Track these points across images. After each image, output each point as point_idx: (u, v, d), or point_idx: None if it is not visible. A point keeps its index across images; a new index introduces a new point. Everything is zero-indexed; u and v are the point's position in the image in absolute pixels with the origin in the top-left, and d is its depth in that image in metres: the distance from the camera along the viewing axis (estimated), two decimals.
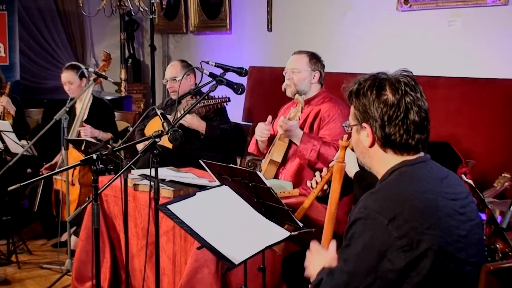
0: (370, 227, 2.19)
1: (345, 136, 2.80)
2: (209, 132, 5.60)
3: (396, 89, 2.30)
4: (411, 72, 2.39)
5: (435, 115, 5.36)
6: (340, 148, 2.82)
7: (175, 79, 5.76)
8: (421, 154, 2.38)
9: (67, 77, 6.22)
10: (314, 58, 4.85)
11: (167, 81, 5.87)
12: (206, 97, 5.20)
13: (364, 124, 2.37)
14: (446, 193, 2.28)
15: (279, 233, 3.29)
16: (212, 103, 5.28)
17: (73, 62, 6.58)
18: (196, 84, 5.86)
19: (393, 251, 2.15)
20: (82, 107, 6.17)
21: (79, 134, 6.06)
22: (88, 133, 6.07)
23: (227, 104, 5.38)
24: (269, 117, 4.94)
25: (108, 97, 7.94)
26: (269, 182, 3.68)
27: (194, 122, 5.55)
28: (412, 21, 6.06)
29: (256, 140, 5.00)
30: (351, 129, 2.49)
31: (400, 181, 2.30)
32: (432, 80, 5.53)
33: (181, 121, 5.35)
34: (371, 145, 2.38)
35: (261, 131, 4.86)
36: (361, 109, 2.37)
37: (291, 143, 4.68)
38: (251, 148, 5.10)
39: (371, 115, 2.33)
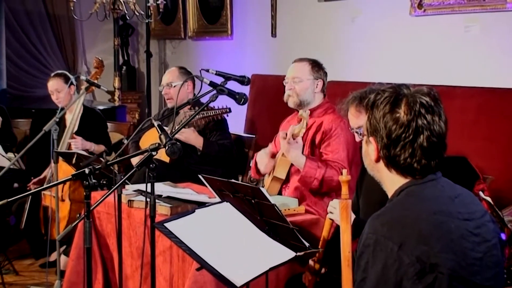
0: (380, 255, 2.20)
1: (345, 171, 2.81)
2: (206, 148, 5.61)
3: (411, 109, 2.29)
4: (435, 91, 2.38)
5: (450, 128, 5.36)
6: (342, 183, 2.83)
7: (171, 85, 5.78)
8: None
9: (54, 85, 6.25)
10: (317, 66, 4.86)
11: (163, 87, 5.89)
12: (205, 108, 5.22)
13: (371, 138, 2.39)
14: (458, 213, 2.28)
15: (283, 253, 3.31)
16: (211, 114, 5.30)
17: (60, 71, 6.60)
18: (194, 94, 5.88)
19: (409, 280, 2.16)
20: (73, 118, 6.19)
21: (69, 147, 6.08)
22: (79, 145, 6.08)
23: (227, 115, 5.39)
24: (270, 146, 4.99)
25: (101, 107, 7.97)
26: (273, 199, 3.70)
27: (191, 137, 5.56)
28: (426, 26, 6.07)
29: (256, 164, 5.01)
30: (362, 138, 2.51)
31: (408, 202, 2.31)
32: (448, 90, 5.54)
33: (177, 136, 5.36)
34: (377, 161, 2.40)
35: (265, 165, 4.89)
36: (372, 121, 2.37)
37: None
38: (253, 173, 5.11)
39: (379, 130, 2.34)
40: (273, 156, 4.89)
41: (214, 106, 5.31)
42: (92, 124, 6.38)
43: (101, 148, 6.17)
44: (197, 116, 5.28)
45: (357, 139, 3.80)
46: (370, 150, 2.42)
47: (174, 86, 5.74)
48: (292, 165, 4.69)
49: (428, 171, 2.35)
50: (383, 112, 2.34)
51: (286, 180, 4.77)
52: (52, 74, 6.42)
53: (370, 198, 3.67)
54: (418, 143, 2.30)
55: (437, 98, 2.36)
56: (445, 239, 2.20)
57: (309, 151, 4.69)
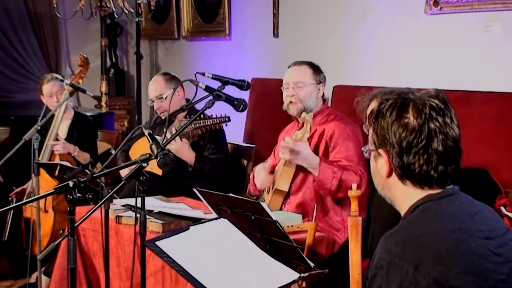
0: (394, 277, 2.19)
1: (354, 185, 2.80)
2: (198, 164, 5.60)
3: (420, 112, 2.31)
4: (443, 94, 2.39)
5: (469, 136, 5.35)
6: (351, 199, 2.82)
7: (162, 97, 5.76)
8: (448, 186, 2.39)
9: (55, 88, 6.25)
10: (317, 69, 4.87)
11: (153, 101, 5.87)
12: (201, 116, 5.21)
13: (380, 150, 2.39)
14: (479, 231, 2.28)
15: (286, 274, 3.31)
16: (208, 123, 5.28)
17: (53, 74, 6.62)
18: (188, 99, 5.86)
19: None
20: (55, 123, 6.20)
21: (52, 152, 6.10)
22: (60, 148, 6.10)
23: (226, 125, 5.38)
24: (269, 160, 4.98)
25: (86, 114, 7.96)
26: (275, 215, 3.70)
27: (182, 150, 5.52)
28: (443, 26, 6.08)
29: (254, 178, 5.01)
30: (370, 155, 2.49)
31: (424, 219, 2.30)
32: (466, 95, 5.55)
33: (169, 147, 5.35)
34: (389, 175, 2.39)
35: (262, 181, 4.87)
36: (379, 132, 2.38)
37: (297, 170, 4.66)
38: (252, 188, 5.10)
39: (388, 140, 2.34)
40: (272, 171, 4.88)
41: (211, 115, 5.30)
42: (82, 132, 6.41)
43: (85, 155, 6.18)
44: (192, 126, 5.27)
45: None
46: (380, 165, 2.41)
47: (166, 98, 5.73)
48: (295, 176, 4.67)
49: (446, 179, 2.35)
50: (391, 120, 2.34)
51: (287, 195, 4.74)
52: (49, 76, 6.44)
53: (379, 217, 3.65)
54: (433, 148, 2.31)
55: (446, 100, 2.37)
56: (464, 259, 2.20)
57: None
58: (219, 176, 5.73)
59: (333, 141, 4.65)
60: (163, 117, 5.84)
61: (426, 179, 2.34)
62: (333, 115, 4.80)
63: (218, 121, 5.29)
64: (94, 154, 6.28)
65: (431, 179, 2.34)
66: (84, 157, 6.17)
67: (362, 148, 2.57)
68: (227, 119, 5.30)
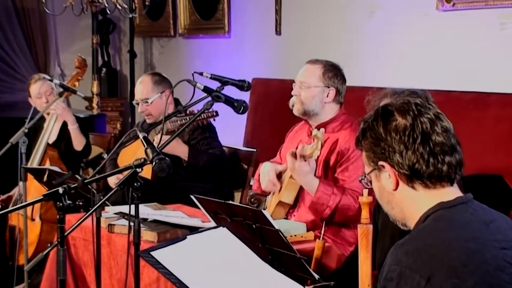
0: None
1: (365, 191, 2.79)
2: (192, 158, 5.54)
3: (406, 111, 2.38)
4: (423, 91, 2.43)
5: (484, 141, 5.36)
6: (362, 205, 2.82)
7: (147, 101, 5.72)
8: (459, 193, 2.39)
9: (43, 87, 6.26)
10: (331, 71, 4.76)
11: (138, 103, 5.83)
12: (187, 112, 5.14)
13: (381, 163, 2.41)
14: (494, 240, 2.28)
15: (289, 287, 3.30)
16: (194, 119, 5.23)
17: (41, 75, 6.62)
18: (180, 103, 5.83)
19: None
20: (49, 125, 6.21)
21: (42, 159, 6.11)
22: (65, 112, 6.17)
23: (214, 120, 5.35)
24: (282, 166, 4.94)
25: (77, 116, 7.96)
26: (278, 224, 3.69)
27: (173, 146, 5.48)
28: (456, 23, 6.08)
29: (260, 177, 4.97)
30: (371, 180, 2.51)
31: (436, 228, 2.31)
32: (480, 97, 5.55)
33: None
34: (396, 186, 2.40)
35: (271, 182, 4.81)
36: (372, 147, 2.41)
37: None
38: (255, 187, 5.07)
39: (385, 149, 2.38)
40: (280, 174, 4.83)
41: (194, 110, 5.25)
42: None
43: (82, 139, 6.20)
44: (178, 122, 5.25)
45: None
46: (384, 180, 2.43)
47: (152, 102, 5.70)
48: (302, 188, 4.63)
49: (454, 171, 2.38)
50: (381, 129, 2.39)
51: (294, 206, 4.71)
52: (34, 77, 6.45)
53: (387, 228, 3.64)
54: (433, 140, 2.36)
55: (428, 98, 2.44)
56: (479, 271, 2.20)
57: (322, 173, 4.62)
58: (216, 171, 5.69)
59: (344, 156, 4.58)
60: (148, 121, 5.81)
61: (436, 174, 2.36)
62: (348, 122, 4.70)
63: (205, 116, 5.25)
64: (86, 156, 6.29)
65: (441, 172, 2.36)
66: (80, 140, 6.20)
67: (359, 179, 2.58)
68: (214, 114, 5.27)
